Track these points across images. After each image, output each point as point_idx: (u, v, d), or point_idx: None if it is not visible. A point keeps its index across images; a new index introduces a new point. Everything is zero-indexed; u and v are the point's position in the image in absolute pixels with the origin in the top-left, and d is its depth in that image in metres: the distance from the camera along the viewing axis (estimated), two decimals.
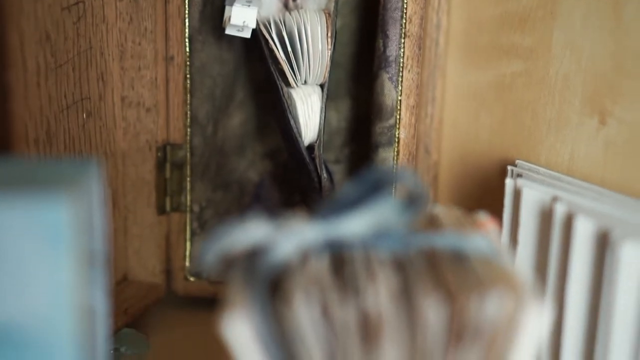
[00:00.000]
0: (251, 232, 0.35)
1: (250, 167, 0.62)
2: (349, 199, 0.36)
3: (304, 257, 0.34)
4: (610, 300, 0.39)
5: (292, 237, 0.34)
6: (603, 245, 0.40)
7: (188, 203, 0.59)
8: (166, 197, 0.59)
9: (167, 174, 0.59)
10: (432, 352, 0.31)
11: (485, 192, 0.56)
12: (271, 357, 0.32)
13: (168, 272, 0.60)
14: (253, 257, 0.34)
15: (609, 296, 0.39)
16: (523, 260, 0.47)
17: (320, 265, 0.33)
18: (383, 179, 0.35)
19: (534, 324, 0.31)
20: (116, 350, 0.52)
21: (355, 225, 0.35)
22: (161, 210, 0.59)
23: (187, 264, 0.59)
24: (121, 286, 0.58)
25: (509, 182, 0.49)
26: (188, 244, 0.59)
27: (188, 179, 0.59)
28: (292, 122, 0.55)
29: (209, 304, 0.59)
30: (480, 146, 0.59)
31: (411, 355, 0.31)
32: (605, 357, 0.39)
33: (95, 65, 0.53)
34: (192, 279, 0.59)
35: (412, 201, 0.36)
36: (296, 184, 0.60)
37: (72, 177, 0.33)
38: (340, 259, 0.34)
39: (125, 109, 0.57)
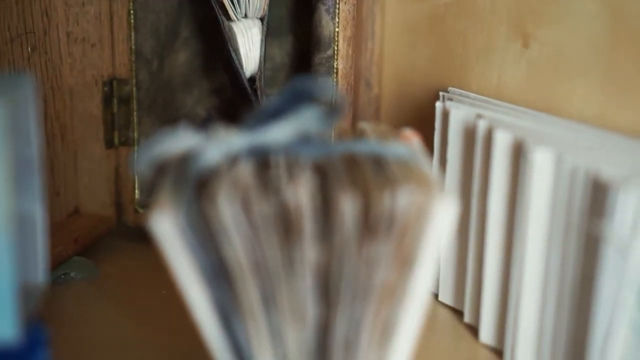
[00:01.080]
0: (182, 141, 0.37)
1: (197, 103, 0.64)
2: (273, 109, 0.38)
3: (230, 161, 0.36)
4: (525, 201, 0.42)
5: (219, 145, 0.36)
6: (518, 153, 0.43)
7: (136, 137, 0.61)
8: (114, 131, 0.61)
9: (115, 108, 0.60)
10: (348, 245, 0.33)
11: (421, 120, 0.58)
12: (195, 252, 0.34)
13: (118, 205, 0.62)
14: (183, 162, 0.36)
15: (524, 198, 0.42)
16: (451, 173, 0.50)
17: (245, 168, 0.36)
18: (304, 89, 0.37)
19: (442, 220, 0.34)
20: (66, 275, 0.54)
21: (278, 133, 0.37)
22: (109, 144, 0.61)
23: (136, 196, 0.61)
24: (72, 218, 0.60)
25: (438, 105, 0.52)
26: (136, 176, 0.61)
27: (135, 113, 0.61)
28: (233, 54, 0.57)
29: None
30: (418, 76, 0.61)
31: (329, 249, 0.34)
32: (523, 252, 0.42)
33: (38, 0, 0.55)
34: (141, 210, 0.61)
35: (332, 110, 0.38)
36: (241, 118, 0.62)
37: (5, 89, 0.34)
38: (264, 163, 0.37)
39: (71, 45, 0.58)
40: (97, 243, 0.61)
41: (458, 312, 0.52)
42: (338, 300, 0.34)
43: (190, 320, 0.38)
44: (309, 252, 0.34)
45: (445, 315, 0.52)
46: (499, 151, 0.44)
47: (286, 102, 0.38)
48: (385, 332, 0.35)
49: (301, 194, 0.33)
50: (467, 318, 0.50)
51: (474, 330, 0.49)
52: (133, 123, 0.61)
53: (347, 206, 0.33)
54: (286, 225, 0.33)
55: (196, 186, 0.36)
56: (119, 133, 0.61)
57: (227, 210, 0.33)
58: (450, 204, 0.34)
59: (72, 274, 0.55)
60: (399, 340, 0.35)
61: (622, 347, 0.36)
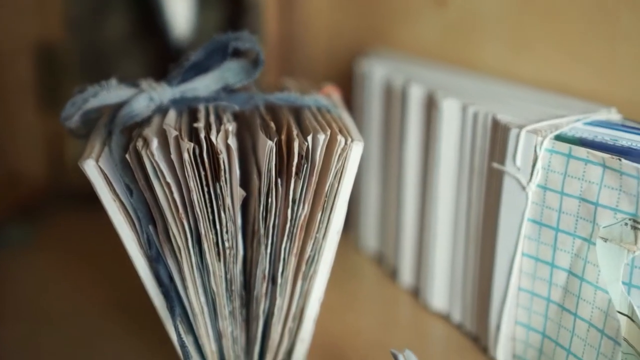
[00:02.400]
0: (113, 92, 0.39)
1: (129, 67, 0.66)
2: (197, 63, 0.40)
3: (160, 111, 0.39)
4: (437, 147, 0.45)
5: (148, 95, 0.38)
6: (430, 104, 0.46)
7: None
8: (49, 96, 0.62)
9: (47, 73, 0.62)
10: (270, 182, 0.36)
11: (345, 77, 0.61)
12: (126, 193, 0.36)
13: (54, 168, 0.64)
14: (113, 112, 0.39)
15: (435, 144, 0.45)
16: (372, 126, 0.53)
17: (173, 116, 0.38)
18: (227, 44, 0.40)
19: (355, 162, 0.37)
20: (2, 238, 0.56)
21: (203, 85, 0.40)
22: (45, 109, 0.62)
23: (74, 160, 0.63)
24: (8, 183, 0.61)
25: (360, 63, 0.55)
26: (73, 141, 0.63)
27: (67, 78, 0.62)
28: (165, 18, 0.59)
29: (94, 198, 0.64)
30: (342, 36, 0.64)
31: (253, 186, 0.37)
32: (436, 194, 0.46)
33: None
34: (77, 174, 0.63)
35: (253, 63, 0.40)
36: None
37: None
38: (191, 112, 0.39)
39: (2, 10, 0.59)
40: (34, 206, 0.62)
41: (380, 257, 0.55)
42: (261, 236, 0.37)
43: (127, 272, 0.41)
44: (235, 191, 0.36)
45: (368, 261, 0.55)
46: (414, 103, 0.47)
47: (210, 57, 0.40)
48: (305, 265, 0.38)
49: (226, 137, 0.36)
50: (388, 261, 0.54)
51: (394, 272, 0.53)
52: (65, 87, 0.62)
53: (268, 149, 0.36)
54: (212, 162, 0.36)
55: (127, 132, 0.38)
56: (51, 97, 0.62)
57: (158, 152, 0.35)
58: (361, 147, 0.37)
59: (8, 234, 0.56)
60: (317, 272, 0.38)
61: (520, 274, 0.40)
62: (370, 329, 0.46)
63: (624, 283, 0.36)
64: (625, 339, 0.35)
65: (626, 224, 0.35)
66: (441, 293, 0.47)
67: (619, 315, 0.35)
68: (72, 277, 0.52)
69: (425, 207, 0.48)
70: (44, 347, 0.43)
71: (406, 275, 0.51)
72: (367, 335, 0.45)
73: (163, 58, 0.65)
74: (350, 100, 0.56)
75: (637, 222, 0.35)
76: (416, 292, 0.50)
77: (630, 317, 0.35)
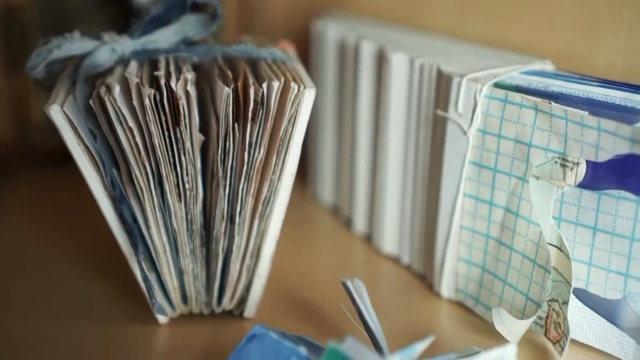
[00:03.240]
0: (76, 44, 0.41)
1: (92, 29, 0.67)
2: (158, 16, 0.42)
3: (121, 62, 0.41)
4: (387, 99, 0.48)
5: (110, 47, 0.40)
6: (380, 59, 0.49)
7: None
8: (15, 57, 0.63)
9: (13, 35, 0.63)
10: (228, 127, 0.38)
11: (304, 36, 0.63)
12: (91, 138, 0.38)
13: (22, 129, 0.65)
14: (77, 63, 0.41)
15: (385, 96, 0.48)
16: (327, 83, 0.56)
17: (135, 66, 0.40)
18: None
19: (307, 108, 0.39)
20: None
21: (163, 37, 0.42)
22: (11, 70, 0.63)
23: (40, 121, 0.64)
24: None
25: (316, 23, 0.57)
26: (39, 101, 0.64)
27: (32, 39, 0.63)
28: None
29: (62, 157, 0.65)
30: (301, 1, 0.66)
31: (212, 132, 0.39)
32: (386, 144, 0.49)
33: None
34: (43, 135, 0.65)
35: (210, 17, 0.43)
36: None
37: None
38: (152, 63, 0.42)
39: None
40: (1, 166, 0.64)
41: (335, 209, 0.58)
42: (220, 178, 0.39)
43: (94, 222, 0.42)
44: (194, 135, 0.39)
45: (324, 213, 0.58)
46: (365, 58, 0.50)
47: (169, 11, 0.42)
48: (262, 205, 0.40)
49: (185, 84, 0.38)
50: (343, 212, 0.56)
51: (349, 222, 0.55)
52: (29, 49, 0.63)
53: (225, 94, 0.38)
54: (172, 108, 0.38)
55: (90, 82, 0.40)
56: (16, 59, 0.63)
57: (121, 98, 0.37)
58: (313, 94, 0.39)
59: None
60: (273, 212, 0.41)
61: (462, 213, 0.43)
62: (325, 270, 0.49)
63: (553, 217, 0.39)
64: (554, 268, 0.39)
65: (556, 162, 0.38)
66: (391, 237, 0.50)
67: (549, 246, 0.39)
68: (40, 230, 0.54)
69: (377, 158, 0.51)
70: (16, 294, 0.45)
71: (360, 223, 0.54)
72: (322, 275, 0.48)
73: (125, 19, 0.67)
74: (307, 59, 0.59)
75: (566, 160, 0.38)
76: (369, 239, 0.53)
77: (559, 248, 0.38)
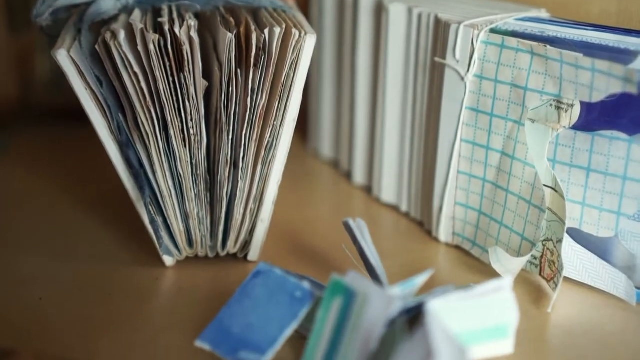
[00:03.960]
0: None
1: None
2: None
3: (125, 9, 0.42)
4: (385, 48, 0.49)
5: None
6: (379, 9, 0.49)
7: None
8: (16, 14, 0.64)
9: None
10: (231, 73, 0.39)
11: None
12: (97, 83, 0.39)
13: (26, 85, 0.66)
14: (82, 11, 0.41)
15: (384, 46, 0.49)
16: (325, 38, 0.56)
17: (139, 14, 0.41)
18: None
19: (308, 53, 0.40)
20: None
21: None
22: (15, 27, 0.64)
23: (44, 77, 0.65)
24: None
25: None
26: (43, 58, 0.65)
27: None
28: None
29: (66, 116, 0.66)
30: None
31: (215, 78, 0.40)
32: (385, 93, 0.50)
33: None
34: (47, 92, 0.65)
35: None
36: None
37: None
38: (154, 10, 0.42)
39: None
40: (5, 121, 0.64)
41: (335, 163, 0.59)
42: (224, 124, 0.40)
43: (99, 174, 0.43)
44: (198, 81, 0.39)
45: (324, 167, 0.59)
46: (364, 10, 0.51)
47: None
48: (264, 150, 0.41)
49: (189, 30, 0.39)
50: (342, 166, 0.57)
51: (348, 175, 0.57)
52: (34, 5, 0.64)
53: (228, 40, 0.39)
54: (177, 57, 0.39)
55: (95, 30, 0.41)
56: (22, 16, 0.64)
57: (126, 44, 0.38)
58: (314, 40, 0.40)
59: None
60: (275, 157, 0.42)
61: (459, 159, 0.44)
62: (325, 217, 0.50)
63: (548, 159, 0.40)
64: (549, 208, 0.40)
65: (551, 105, 0.39)
66: (390, 187, 0.51)
67: (544, 187, 0.40)
68: (46, 181, 0.55)
69: (376, 109, 0.51)
70: (24, 237, 0.46)
71: (359, 175, 0.55)
72: (323, 222, 0.49)
73: None
74: (307, 12, 0.59)
75: (561, 103, 0.39)
76: (368, 190, 0.54)
77: (554, 189, 0.40)
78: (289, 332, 0.34)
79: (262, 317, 0.35)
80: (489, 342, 0.34)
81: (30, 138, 0.63)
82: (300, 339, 0.36)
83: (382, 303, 0.31)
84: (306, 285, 0.35)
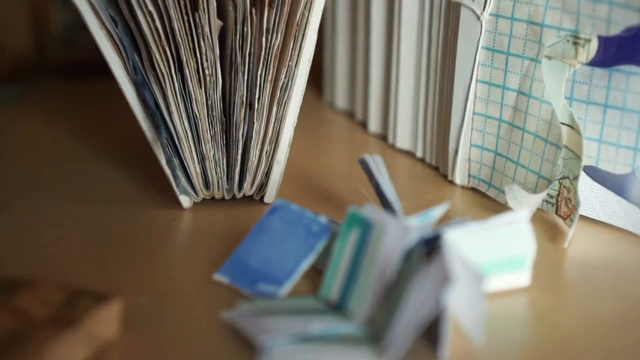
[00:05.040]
0: None
1: None
2: None
3: None
4: (401, 12, 0.49)
5: None
6: None
7: None
8: None
9: None
10: (245, 12, 0.39)
11: None
12: (109, 22, 0.39)
13: (41, 40, 0.66)
14: None
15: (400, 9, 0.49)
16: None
17: None
18: None
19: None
20: None
21: None
22: None
23: (59, 32, 0.65)
24: None
25: None
26: (58, 13, 0.65)
27: None
28: None
29: (79, 71, 0.66)
30: None
31: (230, 18, 0.40)
32: (400, 37, 0.49)
33: None
34: (64, 46, 0.65)
35: None
36: None
37: None
38: None
39: None
40: (20, 73, 0.65)
41: (350, 113, 0.59)
42: (239, 64, 0.40)
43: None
44: (213, 20, 0.39)
45: (338, 116, 0.59)
46: None
47: None
48: (280, 91, 0.41)
49: None
50: (357, 116, 0.57)
51: (363, 125, 0.57)
52: None
53: None
54: None
55: None
56: None
57: None
58: None
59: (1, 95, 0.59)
60: (291, 98, 0.42)
61: (475, 100, 0.44)
62: (340, 163, 0.50)
63: (565, 97, 0.40)
64: (566, 146, 0.40)
65: (568, 40, 0.39)
66: (405, 133, 0.51)
67: (561, 124, 0.40)
68: (62, 131, 0.55)
69: (391, 55, 0.51)
70: (41, 181, 0.47)
71: (374, 124, 0.55)
72: (337, 168, 0.49)
73: None
74: None
75: (578, 38, 0.38)
76: (383, 138, 0.54)
77: (571, 126, 0.39)
78: (306, 264, 0.34)
79: (279, 251, 0.35)
80: (506, 273, 0.34)
81: (44, 92, 0.64)
82: (317, 273, 0.36)
83: (399, 233, 0.31)
84: (323, 219, 0.35)
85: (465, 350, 0.30)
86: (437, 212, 0.35)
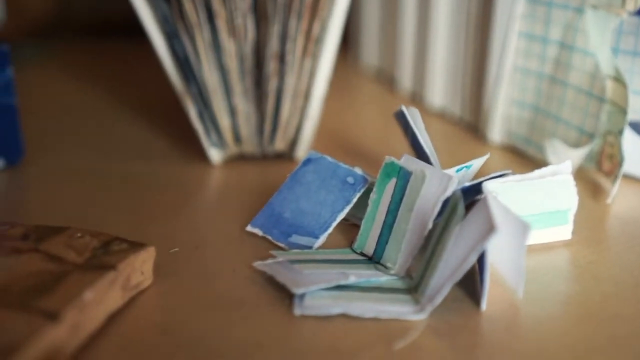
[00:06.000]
0: None
1: None
2: None
3: None
4: None
5: None
6: None
7: None
8: None
9: None
10: None
11: None
12: None
13: (61, 3, 0.65)
14: None
15: None
16: None
17: None
18: None
19: None
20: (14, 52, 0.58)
21: None
22: None
23: None
24: (17, 11, 0.63)
25: None
26: None
27: None
28: None
29: (104, 30, 0.66)
30: None
31: None
32: (435, 3, 0.48)
33: None
34: (86, 6, 0.65)
35: None
36: None
37: None
38: None
39: None
40: (42, 34, 0.64)
41: (379, 71, 0.57)
42: (271, 16, 0.39)
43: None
44: None
45: (367, 74, 0.58)
46: None
47: None
48: (312, 45, 0.40)
49: None
50: (387, 73, 0.56)
51: (394, 82, 0.55)
52: None
53: None
54: None
55: None
56: None
57: None
58: None
59: (21, 55, 0.58)
60: (324, 51, 0.41)
61: (515, 53, 0.43)
62: (371, 121, 0.49)
63: (611, 49, 0.38)
64: (610, 100, 0.38)
65: None
66: (440, 91, 0.50)
67: (605, 77, 0.38)
68: (89, 89, 0.55)
69: (426, 7, 0.50)
70: (71, 139, 0.46)
71: (406, 81, 0.53)
72: (369, 125, 0.48)
73: None
74: None
75: None
76: (415, 97, 0.53)
77: (616, 78, 0.38)
78: (341, 216, 0.33)
79: (314, 202, 0.34)
80: (547, 226, 0.33)
81: (67, 51, 0.63)
82: (347, 226, 0.35)
83: (439, 182, 0.30)
84: (358, 170, 0.34)
85: (504, 301, 0.29)
86: (478, 163, 0.33)
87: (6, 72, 0.40)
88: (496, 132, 0.45)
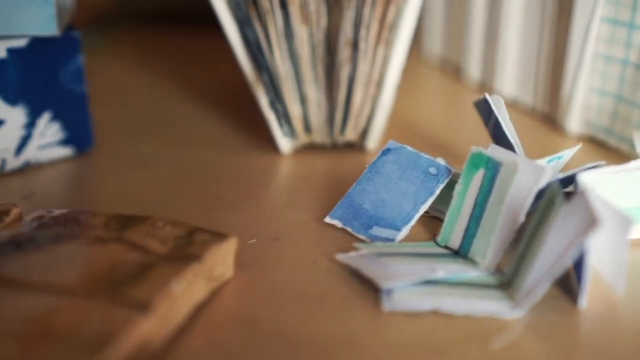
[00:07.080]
0: None
1: None
2: None
3: None
4: None
5: None
6: None
7: None
8: None
9: None
10: None
11: None
12: None
13: None
14: None
15: None
16: None
17: None
18: None
19: None
20: None
21: None
22: None
23: None
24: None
25: None
26: None
27: None
28: None
29: (162, 18, 0.65)
30: None
31: None
32: None
33: None
34: None
35: None
36: None
37: None
38: None
39: None
40: (103, 23, 0.64)
41: (443, 59, 0.56)
42: (345, 1, 0.38)
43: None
44: None
45: (431, 62, 0.56)
46: None
47: None
48: (387, 32, 0.39)
49: None
50: (453, 62, 0.54)
51: (460, 71, 0.54)
52: None
53: None
54: None
55: None
56: None
57: None
58: None
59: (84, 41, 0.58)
60: (399, 38, 0.39)
61: (597, 40, 0.41)
62: (438, 111, 0.48)
63: None
64: None
65: None
66: (511, 79, 0.48)
67: None
68: (150, 77, 0.54)
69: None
70: (139, 128, 0.46)
71: (473, 69, 0.52)
72: (440, 115, 0.47)
73: None
74: None
75: None
76: (484, 85, 0.51)
77: None
78: (424, 208, 0.32)
79: (395, 193, 0.33)
80: None
81: (130, 39, 0.63)
82: (431, 218, 0.34)
83: (532, 173, 0.29)
84: (441, 161, 0.33)
85: (604, 299, 0.28)
86: (568, 153, 0.32)
87: (77, 59, 0.39)
88: (574, 122, 0.43)
